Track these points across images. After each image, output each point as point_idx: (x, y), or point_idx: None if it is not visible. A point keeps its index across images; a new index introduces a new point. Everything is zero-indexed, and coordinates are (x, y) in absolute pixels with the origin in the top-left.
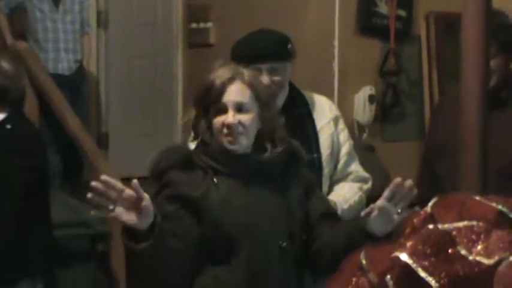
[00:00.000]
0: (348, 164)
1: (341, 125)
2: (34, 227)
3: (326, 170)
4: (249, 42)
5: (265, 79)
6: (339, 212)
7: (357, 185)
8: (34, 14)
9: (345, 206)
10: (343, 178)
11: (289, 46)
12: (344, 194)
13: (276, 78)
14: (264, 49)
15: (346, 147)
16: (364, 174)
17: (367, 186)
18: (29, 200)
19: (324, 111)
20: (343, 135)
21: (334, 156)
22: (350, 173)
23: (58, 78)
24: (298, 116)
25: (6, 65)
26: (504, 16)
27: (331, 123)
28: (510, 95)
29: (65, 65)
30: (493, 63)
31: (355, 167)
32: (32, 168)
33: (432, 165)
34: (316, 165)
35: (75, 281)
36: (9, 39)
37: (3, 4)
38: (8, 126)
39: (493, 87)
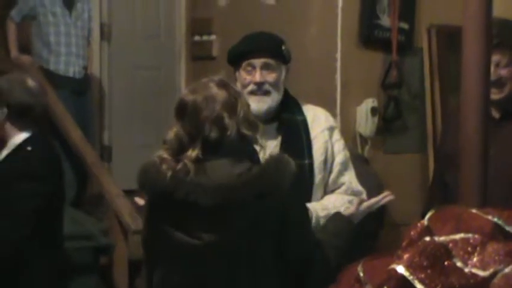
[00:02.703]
0: (341, 174)
1: (336, 135)
2: (39, 254)
3: (318, 177)
4: (244, 41)
5: (258, 75)
6: (313, 219)
7: (348, 197)
8: (46, 18)
9: (322, 214)
10: (335, 189)
11: (284, 48)
12: (326, 204)
13: (269, 75)
14: (257, 45)
15: (340, 157)
16: (357, 187)
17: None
18: (36, 226)
19: (319, 120)
20: (338, 145)
21: (328, 165)
22: (342, 184)
23: (68, 81)
24: (292, 121)
25: (30, 82)
26: None
27: (326, 132)
28: None
29: (76, 69)
30: (506, 72)
31: (349, 179)
32: (43, 195)
33: (443, 176)
34: (307, 171)
35: None
36: (14, 52)
37: (15, 12)
38: (29, 148)
39: (505, 97)
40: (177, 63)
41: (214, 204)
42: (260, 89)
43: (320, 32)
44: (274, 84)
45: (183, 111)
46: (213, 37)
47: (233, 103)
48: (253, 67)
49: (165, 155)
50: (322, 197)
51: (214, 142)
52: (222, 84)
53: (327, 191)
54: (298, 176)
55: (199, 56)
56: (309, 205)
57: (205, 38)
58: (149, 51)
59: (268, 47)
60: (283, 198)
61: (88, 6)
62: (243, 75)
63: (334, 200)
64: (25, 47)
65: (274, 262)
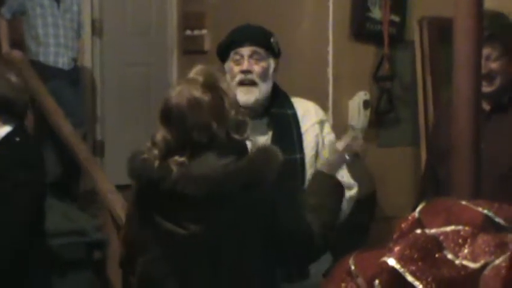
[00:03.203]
0: None
1: (327, 128)
2: (35, 238)
3: (310, 172)
4: (232, 32)
5: (245, 63)
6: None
7: None
8: (34, 11)
9: None
10: None
11: (273, 40)
12: None
13: (257, 65)
14: (245, 34)
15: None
16: (349, 180)
17: (351, 193)
18: (34, 212)
19: (309, 114)
20: (329, 138)
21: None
22: None
23: (58, 72)
24: (283, 116)
25: (13, 78)
26: (506, 18)
27: (316, 125)
28: None
29: (65, 60)
30: (496, 65)
31: (340, 172)
32: (36, 181)
33: (435, 169)
34: (298, 165)
35: None
36: (5, 47)
37: (5, 9)
38: (17, 139)
39: (496, 90)
40: (169, 57)
41: (202, 194)
42: (246, 78)
43: (311, 25)
44: (262, 75)
45: (168, 116)
46: (204, 31)
47: (220, 107)
48: (241, 56)
49: (154, 150)
50: None
51: (203, 145)
52: (207, 85)
53: None
54: (290, 171)
55: (191, 50)
56: None
57: (196, 32)
58: (141, 46)
59: (255, 36)
60: (270, 189)
61: (77, 1)
62: (231, 66)
63: None
64: (17, 43)
65: (261, 254)
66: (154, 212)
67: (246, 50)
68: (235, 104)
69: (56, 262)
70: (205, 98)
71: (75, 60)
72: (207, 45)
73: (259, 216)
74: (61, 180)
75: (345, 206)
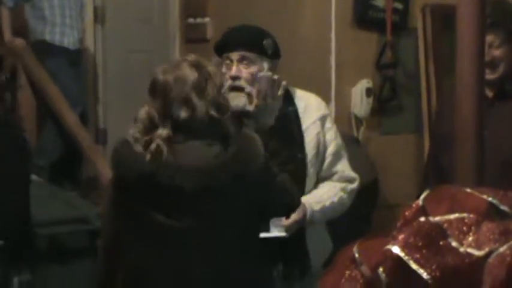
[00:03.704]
0: (333, 163)
1: (328, 124)
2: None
3: (311, 170)
4: (225, 34)
5: (233, 69)
6: (309, 213)
7: (341, 185)
8: None
9: (317, 208)
10: (328, 177)
11: (266, 41)
12: (320, 195)
13: (246, 70)
14: (234, 38)
15: (332, 146)
16: (350, 174)
17: (352, 186)
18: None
19: (311, 110)
20: (330, 134)
21: (320, 156)
22: (335, 173)
23: (62, 50)
24: (284, 115)
25: None
26: (509, 4)
27: (318, 122)
28: None
29: (70, 40)
30: (499, 52)
31: (341, 167)
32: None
33: (438, 157)
34: (299, 165)
35: (74, 276)
36: (7, 35)
37: None
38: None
39: (499, 77)
40: (171, 45)
41: (197, 186)
42: (235, 84)
43: (314, 13)
44: (251, 79)
45: (155, 90)
46: (207, 19)
47: (203, 84)
48: (231, 60)
49: (138, 135)
50: (315, 185)
51: (183, 122)
52: (195, 65)
53: (319, 178)
54: (291, 170)
55: (193, 38)
56: (303, 200)
57: (199, 20)
58: (143, 34)
59: (246, 40)
60: (259, 176)
61: None
62: (224, 70)
63: (328, 190)
64: (19, 31)
65: (250, 241)
66: (145, 206)
67: (235, 55)
68: (219, 86)
69: (60, 250)
70: (191, 75)
71: (80, 41)
72: (210, 33)
73: (252, 200)
74: (64, 167)
75: (347, 200)
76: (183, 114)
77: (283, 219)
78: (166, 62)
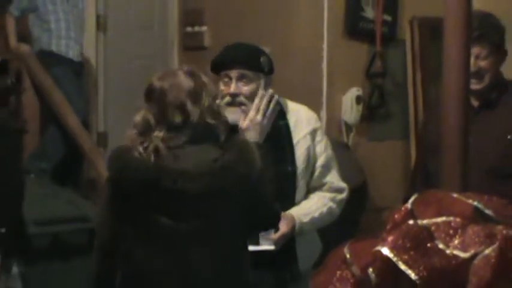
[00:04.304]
0: (323, 175)
1: (318, 137)
2: None
3: (301, 182)
4: (222, 52)
5: (233, 87)
6: (297, 225)
7: (330, 195)
8: (46, 7)
9: (305, 219)
10: (318, 187)
11: (262, 59)
12: (309, 207)
13: (245, 87)
14: (233, 56)
15: (322, 159)
16: (339, 184)
17: (341, 196)
18: None
19: (301, 124)
20: (320, 147)
21: (310, 168)
22: (325, 184)
23: (67, 61)
24: (275, 128)
25: None
26: (495, 18)
27: (308, 136)
28: (500, 96)
29: (74, 52)
30: (485, 63)
31: (331, 178)
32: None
33: (425, 163)
34: (289, 178)
35: (74, 273)
36: (12, 41)
37: (14, 7)
38: None
39: (484, 87)
40: (170, 53)
41: (200, 189)
42: (235, 101)
43: (307, 23)
44: (250, 96)
45: (151, 95)
46: (204, 28)
47: (198, 92)
48: (230, 78)
49: (134, 137)
50: (305, 195)
51: (178, 127)
52: (190, 74)
53: (310, 189)
54: (281, 182)
55: (191, 46)
56: (292, 212)
57: (197, 28)
58: (143, 41)
59: (244, 58)
60: (255, 179)
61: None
62: (221, 86)
63: (317, 201)
64: (23, 38)
65: (244, 238)
66: (147, 209)
67: (234, 73)
68: (214, 95)
69: (61, 247)
70: (186, 83)
71: (81, 53)
72: (207, 41)
73: (249, 202)
74: (65, 169)
75: (336, 209)
76: (178, 119)
77: (272, 232)
78: (162, 69)
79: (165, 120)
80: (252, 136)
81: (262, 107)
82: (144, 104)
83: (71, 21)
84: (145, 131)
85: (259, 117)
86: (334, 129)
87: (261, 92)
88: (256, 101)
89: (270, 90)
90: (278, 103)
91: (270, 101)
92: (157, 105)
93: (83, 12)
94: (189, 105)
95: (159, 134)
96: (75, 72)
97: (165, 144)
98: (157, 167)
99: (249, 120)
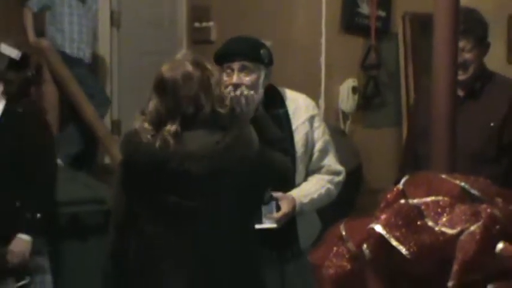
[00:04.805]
0: (321, 158)
1: (316, 123)
2: None
3: (300, 166)
4: (225, 45)
5: (235, 77)
6: (298, 206)
7: (328, 177)
8: (62, 8)
9: (305, 200)
10: (316, 170)
11: (263, 51)
12: (308, 189)
13: (246, 78)
14: (235, 49)
15: (319, 143)
16: (336, 167)
17: (339, 178)
18: None
19: (300, 112)
20: (318, 132)
21: (308, 152)
22: (323, 167)
23: (81, 62)
24: (275, 115)
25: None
26: (479, 13)
27: (306, 123)
28: (483, 86)
29: (86, 54)
30: (470, 55)
31: (328, 161)
32: None
33: (414, 147)
34: (289, 161)
35: (91, 252)
36: (31, 36)
37: (34, 2)
38: (20, 110)
39: (469, 78)
40: (179, 47)
41: (204, 170)
42: (237, 90)
43: (307, 19)
44: (251, 86)
45: (162, 87)
46: (211, 23)
47: (207, 82)
48: (232, 69)
49: (146, 126)
50: (304, 178)
51: (191, 117)
52: (196, 63)
53: (309, 172)
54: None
55: (199, 40)
56: (293, 193)
57: (204, 24)
58: (154, 36)
59: (245, 50)
60: (256, 158)
61: (96, 2)
62: (224, 77)
63: (316, 183)
64: (39, 34)
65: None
66: (157, 189)
67: (236, 65)
68: (220, 82)
69: (78, 227)
70: (196, 73)
71: (92, 53)
72: (214, 36)
73: (253, 178)
74: (83, 154)
75: (333, 191)
76: (191, 110)
77: (274, 212)
78: (168, 61)
79: (179, 113)
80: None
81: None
82: (153, 94)
83: (84, 25)
84: (157, 122)
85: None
86: (332, 117)
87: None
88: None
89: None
90: (278, 92)
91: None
92: (172, 98)
93: (96, 15)
94: (202, 97)
95: (171, 127)
96: (88, 70)
97: (175, 137)
98: (165, 150)
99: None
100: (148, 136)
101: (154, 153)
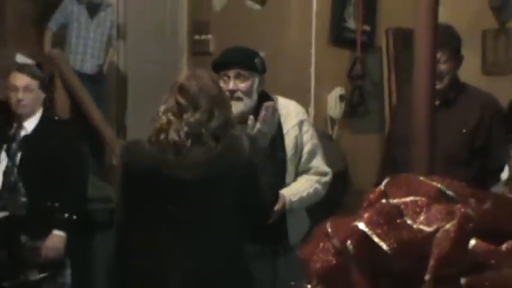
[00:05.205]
0: (309, 160)
1: (305, 127)
2: None
3: (290, 166)
4: (222, 54)
5: (231, 84)
6: (288, 203)
7: (316, 178)
8: (72, 24)
9: (295, 198)
10: (305, 171)
11: (256, 60)
12: (298, 188)
13: (241, 84)
14: (231, 58)
15: (308, 146)
16: (323, 168)
17: (326, 179)
18: None
19: (290, 116)
20: (306, 136)
21: (298, 154)
22: (311, 168)
23: (83, 76)
24: None
25: None
26: (454, 29)
27: (296, 127)
28: (457, 95)
29: (88, 66)
30: (444, 67)
31: (316, 163)
32: None
33: (392, 153)
34: (280, 163)
35: (97, 247)
36: (47, 47)
37: (53, 22)
38: (57, 118)
39: (444, 88)
40: (180, 58)
41: (196, 177)
42: (233, 96)
43: (298, 32)
44: (246, 92)
45: (183, 94)
46: (209, 36)
47: (223, 98)
48: (228, 77)
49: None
50: (294, 179)
51: (197, 128)
52: (214, 80)
53: (298, 172)
54: (273, 166)
55: (199, 52)
56: (283, 192)
57: (203, 37)
58: (157, 48)
59: (240, 59)
60: (243, 167)
61: (111, 16)
62: (221, 84)
63: (304, 183)
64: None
65: (241, 222)
66: (153, 195)
67: (232, 72)
68: (230, 103)
69: (88, 224)
70: (213, 89)
71: (100, 65)
72: (212, 47)
73: (241, 187)
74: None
75: (321, 190)
76: (202, 122)
77: None
78: (186, 71)
79: (189, 121)
80: (260, 142)
81: (269, 118)
82: (169, 95)
83: (90, 38)
84: (164, 129)
85: (266, 127)
86: (320, 123)
87: (266, 104)
88: (262, 112)
89: (271, 103)
90: (271, 99)
91: (273, 112)
92: (190, 103)
93: (108, 29)
94: (216, 112)
95: (175, 136)
96: (90, 84)
97: (174, 147)
98: (159, 158)
99: (257, 131)
100: (150, 145)
101: (150, 159)
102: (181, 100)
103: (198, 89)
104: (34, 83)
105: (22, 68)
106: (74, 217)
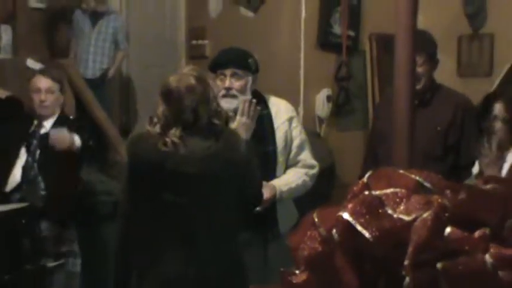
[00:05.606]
0: (297, 154)
1: (294, 123)
2: None
3: (280, 159)
4: (219, 54)
5: (227, 82)
6: (278, 193)
7: (304, 170)
8: (76, 32)
9: (284, 189)
10: (294, 164)
11: (250, 60)
12: (287, 179)
13: (237, 83)
14: (227, 58)
15: (297, 141)
16: (311, 162)
17: (313, 171)
18: None
19: (281, 113)
20: (295, 131)
21: (288, 148)
22: (299, 161)
23: (86, 81)
24: (260, 116)
25: None
26: (430, 34)
27: (286, 123)
28: (432, 96)
29: (89, 72)
30: (421, 69)
31: (304, 156)
32: None
33: (374, 149)
34: (271, 155)
35: (101, 239)
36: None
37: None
38: (72, 117)
39: (421, 89)
40: (179, 61)
41: (196, 171)
42: (228, 93)
43: (288, 38)
44: (240, 90)
45: (169, 97)
46: (206, 41)
47: (207, 96)
48: (224, 75)
49: (157, 130)
50: (284, 171)
51: (190, 125)
52: (199, 78)
53: (287, 166)
54: (264, 159)
55: (196, 56)
56: (274, 182)
57: (200, 42)
58: (157, 52)
59: (235, 59)
60: (240, 163)
61: (114, 23)
62: (218, 82)
63: (293, 175)
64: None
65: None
66: (156, 186)
67: (227, 71)
68: (216, 95)
69: (92, 216)
70: (198, 87)
71: (102, 69)
72: (208, 52)
73: (237, 183)
74: (95, 152)
75: (309, 182)
76: (190, 119)
77: None
78: (175, 73)
79: (181, 120)
80: (241, 134)
81: (246, 110)
82: (160, 101)
83: (92, 45)
84: (164, 126)
85: (244, 119)
86: (309, 122)
87: (242, 98)
88: (241, 106)
89: (249, 97)
90: (263, 97)
91: (250, 105)
92: (176, 108)
93: (110, 35)
94: (201, 109)
95: (176, 132)
96: (92, 87)
97: (180, 140)
98: (163, 153)
99: (237, 123)
100: (154, 139)
101: (154, 154)
102: (168, 101)
103: (184, 88)
104: (55, 86)
105: (45, 72)
106: (91, 142)
